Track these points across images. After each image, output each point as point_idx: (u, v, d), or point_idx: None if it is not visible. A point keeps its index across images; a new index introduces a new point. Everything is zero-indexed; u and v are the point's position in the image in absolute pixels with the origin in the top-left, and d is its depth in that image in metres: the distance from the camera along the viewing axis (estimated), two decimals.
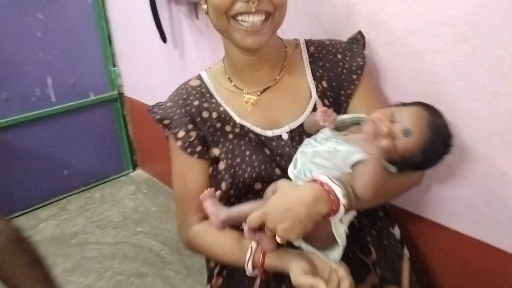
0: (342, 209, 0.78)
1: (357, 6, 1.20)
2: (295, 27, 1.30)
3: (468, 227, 1.15)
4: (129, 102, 2.81)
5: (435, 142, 0.86)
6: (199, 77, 1.08)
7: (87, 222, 2.46)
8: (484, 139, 1.06)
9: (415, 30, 1.10)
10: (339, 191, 0.78)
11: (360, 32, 1.11)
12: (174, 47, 2.14)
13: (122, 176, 2.98)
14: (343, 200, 0.78)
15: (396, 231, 1.11)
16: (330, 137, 0.90)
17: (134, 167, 3.05)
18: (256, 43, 0.88)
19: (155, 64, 2.37)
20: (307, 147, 0.91)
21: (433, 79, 1.11)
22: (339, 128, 0.95)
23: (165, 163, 1.85)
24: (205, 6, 0.91)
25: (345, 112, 1.01)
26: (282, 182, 0.85)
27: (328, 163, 0.85)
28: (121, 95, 2.84)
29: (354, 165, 0.82)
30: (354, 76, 1.01)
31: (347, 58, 1.03)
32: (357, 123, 0.97)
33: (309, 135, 0.97)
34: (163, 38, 2.03)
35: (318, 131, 0.95)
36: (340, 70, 1.03)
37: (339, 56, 1.04)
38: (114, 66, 2.77)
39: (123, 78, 2.79)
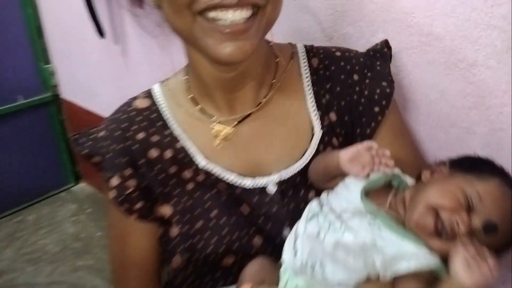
0: None
1: None
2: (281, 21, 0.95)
3: None
4: (67, 106, 2.52)
5: None
6: (149, 95, 0.79)
7: (16, 256, 2.14)
8: None
9: (443, 34, 0.78)
10: None
11: (386, 42, 0.80)
12: (114, 43, 1.82)
13: (62, 191, 2.66)
14: None
15: None
16: (364, 213, 0.61)
17: (77, 180, 2.76)
18: (239, 52, 0.60)
19: (93, 61, 2.06)
20: (324, 226, 0.62)
21: (465, 102, 0.81)
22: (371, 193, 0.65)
23: None
24: None
25: None
26: None
27: (355, 263, 0.58)
28: (56, 97, 2.54)
29: (400, 276, 0.56)
30: (377, 109, 0.75)
31: (367, 81, 0.76)
32: (389, 183, 0.67)
33: (307, 189, 0.72)
34: (100, 32, 1.71)
35: (332, 187, 0.68)
36: (357, 98, 0.75)
37: (356, 77, 0.76)
38: (47, 63, 2.46)
39: (59, 78, 2.50)
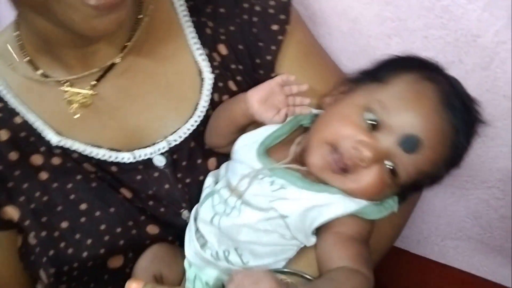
0: None
1: None
2: None
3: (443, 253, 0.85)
4: None
5: (468, 131, 0.48)
6: None
7: None
8: None
9: None
10: None
11: None
12: None
13: None
14: None
15: None
16: (268, 176, 0.50)
17: None
18: (114, 24, 0.50)
19: None
20: (218, 211, 0.51)
21: (384, 28, 0.68)
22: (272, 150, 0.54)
23: None
24: None
25: None
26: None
27: (268, 238, 0.48)
28: None
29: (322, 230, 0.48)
30: (276, 27, 0.61)
31: None
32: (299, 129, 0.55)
33: (206, 156, 0.60)
34: None
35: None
36: (248, 17, 0.62)
37: None
38: None
39: None
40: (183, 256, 0.55)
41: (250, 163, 0.51)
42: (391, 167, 0.46)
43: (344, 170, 0.46)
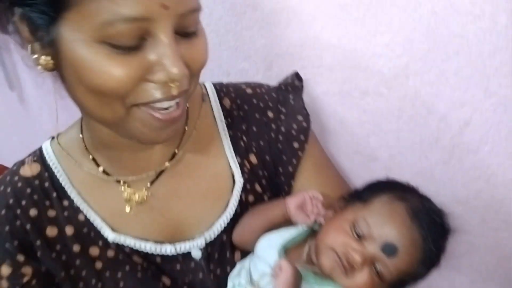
0: None
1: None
2: None
3: None
4: None
5: (436, 239, 0.57)
6: (39, 157, 0.67)
7: None
8: (442, 207, 0.77)
9: (333, 64, 0.78)
10: None
11: (297, 74, 0.77)
12: (11, 90, 1.63)
13: None
14: None
15: None
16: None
17: None
18: (171, 135, 0.57)
19: None
20: None
21: (363, 130, 0.80)
22: (290, 250, 0.62)
23: None
24: (43, 58, 0.52)
25: None
26: None
27: None
28: None
29: None
30: (296, 145, 0.70)
31: (283, 117, 0.71)
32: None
33: (232, 249, 0.65)
34: None
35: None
36: (275, 136, 0.70)
37: (271, 114, 0.71)
38: None
39: None
40: None
41: (272, 261, 0.58)
42: (377, 269, 0.55)
43: (345, 271, 0.55)
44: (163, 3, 0.46)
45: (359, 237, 0.56)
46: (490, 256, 0.78)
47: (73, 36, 0.47)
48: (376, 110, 0.77)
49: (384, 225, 0.56)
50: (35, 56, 0.52)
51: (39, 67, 0.52)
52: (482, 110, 0.67)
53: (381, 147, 0.79)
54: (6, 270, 0.60)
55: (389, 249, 0.55)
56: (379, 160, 0.80)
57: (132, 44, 0.47)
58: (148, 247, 0.63)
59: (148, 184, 0.65)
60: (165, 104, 0.52)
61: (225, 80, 0.81)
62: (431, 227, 0.56)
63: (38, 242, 0.62)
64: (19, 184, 0.64)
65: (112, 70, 0.47)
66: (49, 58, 0.51)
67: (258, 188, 0.69)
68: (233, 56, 0.90)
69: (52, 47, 0.50)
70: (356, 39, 0.74)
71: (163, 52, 0.48)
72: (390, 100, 0.75)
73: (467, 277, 0.82)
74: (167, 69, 0.48)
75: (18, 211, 0.62)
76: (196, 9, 0.51)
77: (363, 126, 0.80)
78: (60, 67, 0.52)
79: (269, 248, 0.61)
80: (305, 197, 0.61)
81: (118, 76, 0.48)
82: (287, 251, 0.61)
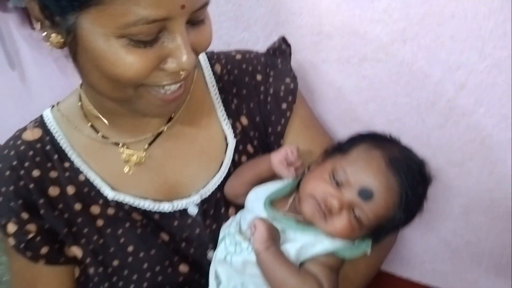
0: None
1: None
2: None
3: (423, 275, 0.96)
4: None
5: (412, 185, 0.58)
6: (40, 123, 0.70)
7: None
8: (437, 171, 0.80)
9: (332, 32, 0.79)
10: None
11: (283, 39, 0.78)
12: (11, 69, 1.64)
13: None
14: None
15: None
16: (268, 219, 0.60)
17: None
18: (172, 111, 0.65)
19: None
20: (230, 250, 0.62)
21: (362, 96, 0.82)
22: (276, 201, 0.65)
23: None
24: (54, 36, 0.53)
25: None
26: None
27: None
28: None
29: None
30: (284, 106, 0.74)
31: (271, 80, 0.75)
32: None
33: (227, 205, 0.69)
34: None
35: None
36: (264, 97, 0.74)
37: (259, 77, 0.75)
38: None
39: None
40: None
41: (258, 212, 0.62)
42: (355, 214, 0.57)
43: (325, 216, 0.58)
44: (183, 4, 0.49)
45: (338, 185, 0.58)
46: (484, 217, 0.81)
47: (93, 29, 0.49)
48: (374, 76, 0.79)
49: (360, 171, 0.58)
50: (45, 33, 0.53)
51: (48, 43, 0.54)
52: (477, 73, 0.69)
53: (379, 113, 0.81)
54: (12, 227, 0.64)
55: (365, 194, 0.57)
56: (377, 126, 0.82)
57: (149, 39, 0.50)
58: (147, 204, 0.67)
59: (146, 146, 0.69)
60: (172, 87, 0.56)
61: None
62: (408, 174, 0.58)
63: (41, 201, 0.65)
64: (22, 147, 0.67)
65: (130, 62, 0.50)
66: (59, 37, 0.52)
67: (250, 148, 0.72)
68: (233, 27, 0.91)
69: (66, 31, 0.51)
70: (355, 5, 0.75)
71: (177, 45, 0.51)
72: (388, 66, 0.76)
73: (462, 239, 0.85)
74: (179, 61, 0.52)
75: (22, 172, 0.65)
76: (207, 3, 0.53)
77: (361, 93, 0.82)
78: (74, 50, 0.53)
79: (256, 200, 0.64)
80: (286, 151, 0.64)
81: (135, 67, 0.51)
82: (273, 202, 0.64)
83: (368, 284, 0.75)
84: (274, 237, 0.57)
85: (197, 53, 0.55)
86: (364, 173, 0.58)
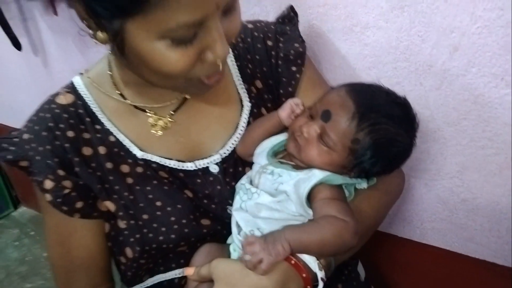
0: (321, 285, 0.60)
1: None
2: None
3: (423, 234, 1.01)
4: None
5: (370, 104, 0.63)
6: (71, 89, 0.74)
7: None
8: (434, 131, 0.86)
9: (337, 2, 0.85)
10: (313, 262, 0.59)
11: (291, 8, 0.85)
12: (34, 54, 1.72)
13: (2, 218, 2.51)
14: (320, 274, 0.59)
15: (361, 270, 0.88)
16: (269, 168, 0.67)
17: (16, 205, 2.60)
18: (210, 91, 0.68)
19: (14, 77, 1.94)
20: (243, 199, 0.68)
21: (364, 63, 0.88)
22: (279, 152, 0.72)
23: None
24: (100, 34, 0.57)
25: None
26: (221, 268, 0.62)
27: (280, 215, 0.64)
28: None
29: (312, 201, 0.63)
30: (294, 68, 0.80)
31: (281, 45, 0.80)
32: None
33: (244, 164, 0.75)
34: (16, 45, 1.61)
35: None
36: (275, 61, 0.80)
37: (270, 43, 0.81)
38: None
39: None
40: (228, 253, 0.70)
41: (262, 162, 0.69)
42: (323, 140, 0.63)
43: (300, 147, 0.65)
44: (217, 3, 0.53)
45: (312, 118, 0.66)
46: (477, 174, 0.86)
47: (138, 33, 0.53)
48: (376, 43, 0.85)
49: (324, 101, 0.66)
50: (91, 31, 0.57)
51: (94, 40, 0.58)
52: (469, 34, 0.74)
53: (380, 78, 0.87)
54: (49, 183, 0.68)
55: (325, 115, 0.64)
56: None
57: (188, 37, 0.54)
58: (172, 163, 0.72)
59: (171, 112, 0.74)
60: (213, 77, 0.62)
61: None
62: (365, 95, 0.64)
63: (76, 159, 0.69)
64: (57, 110, 0.71)
65: (175, 60, 0.55)
66: (106, 35, 0.56)
67: (264, 111, 0.78)
68: (245, 2, 0.98)
69: (112, 33, 0.55)
70: None
71: (213, 39, 0.55)
72: (388, 32, 0.83)
73: (458, 197, 0.91)
74: (216, 53, 0.57)
75: (57, 132, 0.69)
76: None
77: (364, 59, 0.88)
78: (121, 48, 0.57)
79: (261, 152, 0.70)
80: (291, 104, 0.70)
81: (180, 65, 0.56)
82: (277, 153, 0.70)
83: (371, 243, 0.79)
84: (264, 240, 0.60)
85: (230, 42, 0.59)
86: (325, 101, 0.66)
